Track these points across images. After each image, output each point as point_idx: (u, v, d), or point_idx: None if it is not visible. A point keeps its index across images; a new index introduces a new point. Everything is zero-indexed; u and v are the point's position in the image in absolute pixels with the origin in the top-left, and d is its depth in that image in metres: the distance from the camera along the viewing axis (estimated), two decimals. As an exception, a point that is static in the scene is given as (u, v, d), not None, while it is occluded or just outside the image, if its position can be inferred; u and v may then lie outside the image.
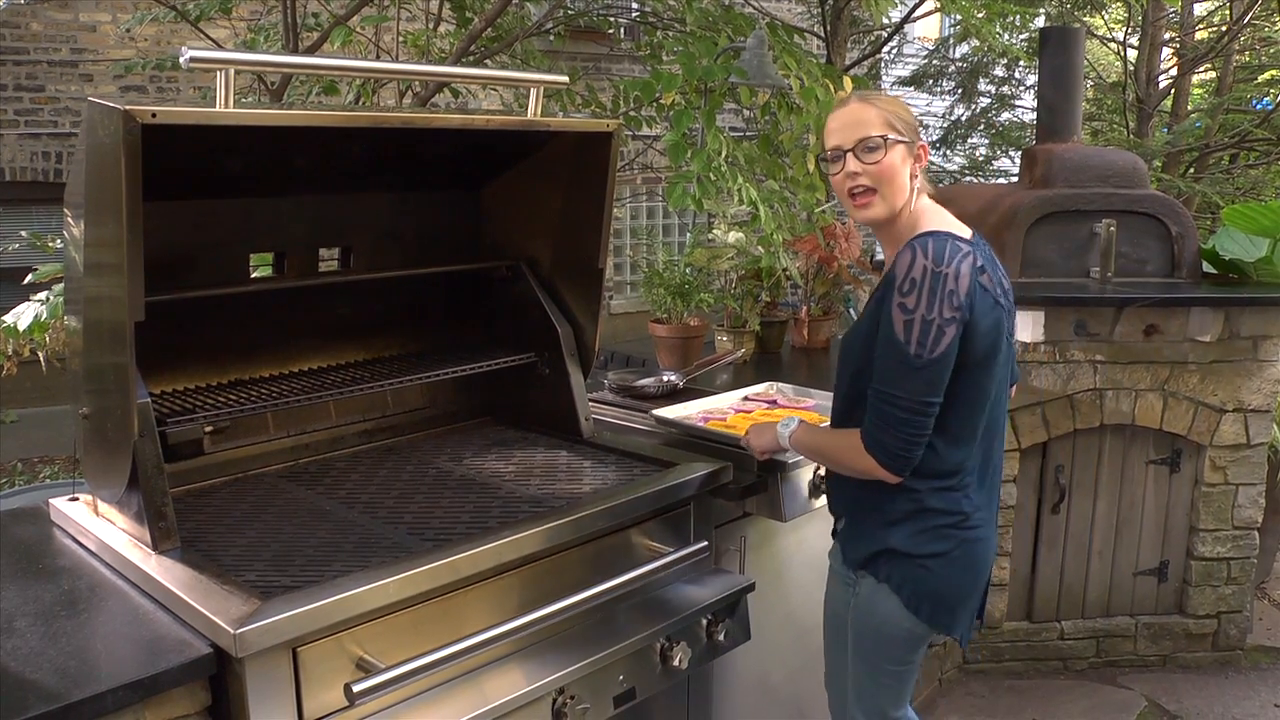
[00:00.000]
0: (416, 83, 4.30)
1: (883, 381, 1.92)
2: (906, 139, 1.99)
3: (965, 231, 2.02)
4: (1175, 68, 8.90)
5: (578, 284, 2.52)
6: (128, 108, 1.50)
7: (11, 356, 3.55)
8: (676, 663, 2.09)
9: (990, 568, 2.11)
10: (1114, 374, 3.72)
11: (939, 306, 1.86)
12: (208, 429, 2.19)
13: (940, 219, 2.02)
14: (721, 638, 2.20)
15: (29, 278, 3.64)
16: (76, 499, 2.06)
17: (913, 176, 2.00)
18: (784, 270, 3.55)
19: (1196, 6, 8.99)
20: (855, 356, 2.04)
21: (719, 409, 2.74)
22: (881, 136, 1.96)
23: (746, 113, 6.98)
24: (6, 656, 1.51)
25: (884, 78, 9.58)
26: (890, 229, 2.04)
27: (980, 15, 6.16)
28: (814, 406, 2.74)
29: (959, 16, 6.81)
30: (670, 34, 5.26)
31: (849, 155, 1.98)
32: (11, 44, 7.61)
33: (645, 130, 4.75)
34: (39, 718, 1.36)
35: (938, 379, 1.89)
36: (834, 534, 2.24)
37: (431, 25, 4.67)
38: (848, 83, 3.73)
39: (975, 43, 8.18)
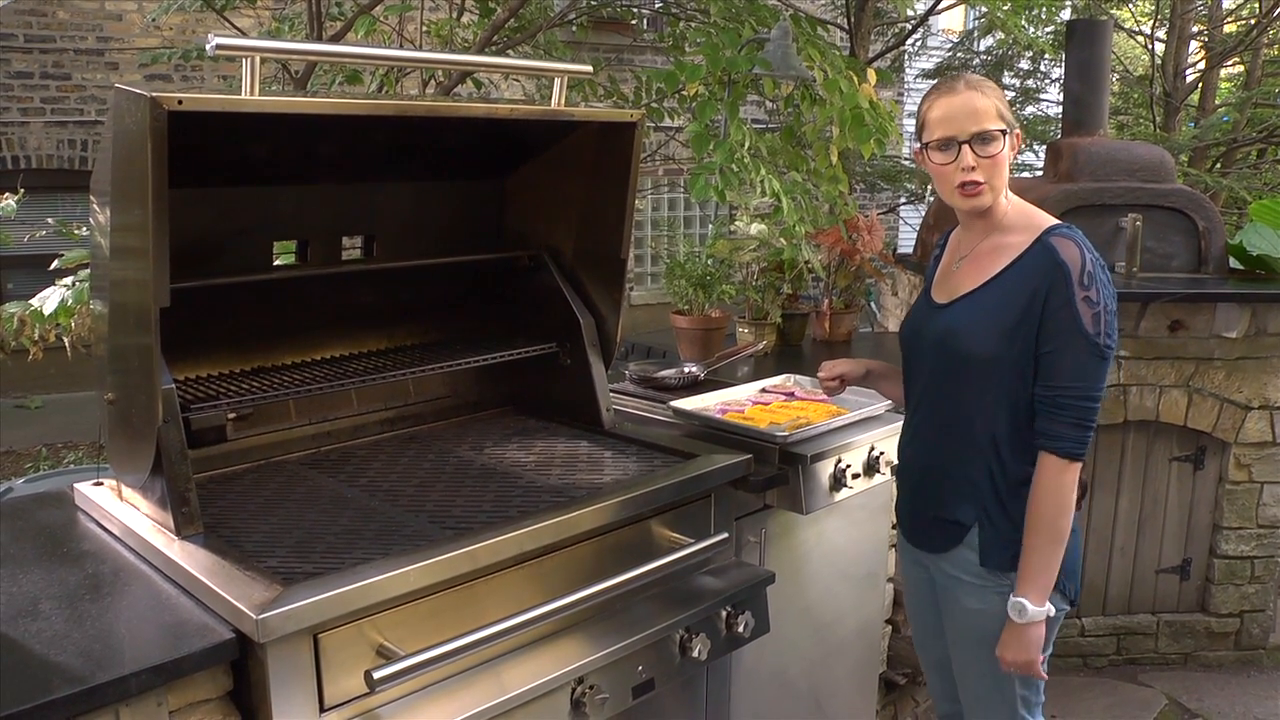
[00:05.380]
0: (440, 72, 4.31)
1: (1076, 378, 1.89)
2: (1013, 128, 1.97)
3: None
4: (1203, 61, 8.81)
5: (600, 274, 2.51)
6: (154, 94, 1.50)
7: (37, 342, 3.57)
8: (696, 654, 2.08)
9: None
10: (1138, 370, 3.69)
11: (1110, 296, 1.89)
12: (231, 415, 2.20)
13: (1024, 203, 2.06)
14: (741, 629, 2.19)
15: (55, 264, 3.67)
16: (101, 484, 2.07)
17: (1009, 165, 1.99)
18: (806, 263, 3.54)
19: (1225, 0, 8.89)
20: (982, 343, 1.96)
21: (737, 401, 2.73)
22: (1001, 130, 1.93)
23: (769, 104, 6.96)
24: (31, 639, 1.52)
25: (907, 70, 9.52)
26: (988, 216, 2.03)
27: (1006, 8, 6.12)
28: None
29: (984, 9, 6.77)
30: (694, 25, 5.25)
31: (965, 147, 1.93)
32: (38, 32, 7.67)
33: (668, 122, 4.75)
34: (63, 700, 1.37)
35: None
36: (934, 549, 2.12)
37: (455, 15, 4.68)
38: (871, 75, 3.72)
39: (1000, 35, 8.11)
